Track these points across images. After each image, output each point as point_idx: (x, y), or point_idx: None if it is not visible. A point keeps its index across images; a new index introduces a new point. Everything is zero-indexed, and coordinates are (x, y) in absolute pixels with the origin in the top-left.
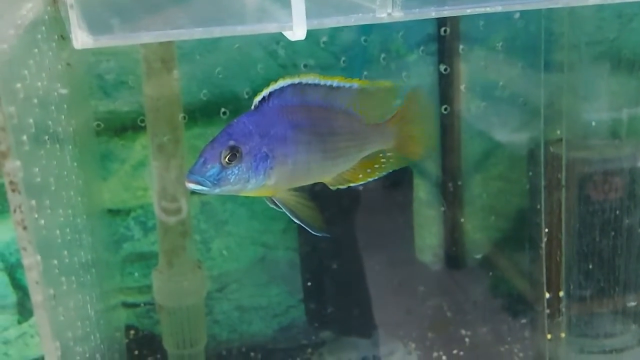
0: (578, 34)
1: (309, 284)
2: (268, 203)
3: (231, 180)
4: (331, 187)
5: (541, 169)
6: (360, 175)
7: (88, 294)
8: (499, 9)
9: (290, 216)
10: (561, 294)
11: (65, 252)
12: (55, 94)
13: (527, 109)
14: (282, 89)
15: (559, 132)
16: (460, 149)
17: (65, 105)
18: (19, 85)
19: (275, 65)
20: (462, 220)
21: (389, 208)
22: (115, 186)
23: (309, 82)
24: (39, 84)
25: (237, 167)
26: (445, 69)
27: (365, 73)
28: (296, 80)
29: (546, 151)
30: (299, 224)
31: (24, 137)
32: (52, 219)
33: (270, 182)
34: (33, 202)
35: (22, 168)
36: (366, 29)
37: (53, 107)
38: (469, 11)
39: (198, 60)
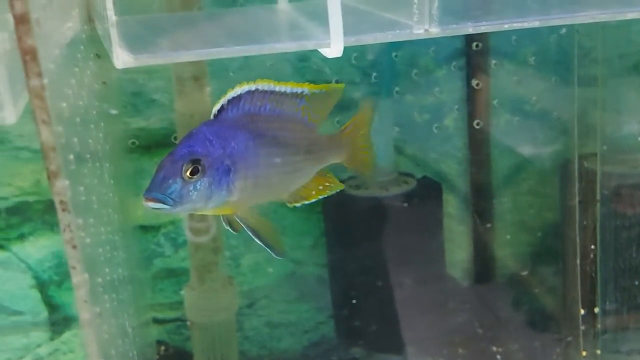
0: (610, 47)
1: (339, 300)
2: (224, 224)
3: (193, 197)
4: (289, 205)
5: (575, 183)
6: (313, 192)
7: (126, 310)
8: (536, 24)
9: (252, 235)
10: (596, 310)
11: (107, 270)
12: (94, 112)
13: (558, 123)
14: (239, 96)
15: (592, 146)
16: (490, 163)
17: (102, 123)
18: (64, 104)
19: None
20: (493, 235)
21: (418, 223)
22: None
23: (264, 88)
24: (80, 102)
25: (199, 182)
26: (477, 84)
27: (396, 89)
28: (252, 86)
29: (580, 166)
30: (261, 245)
31: (71, 157)
32: (95, 237)
33: (233, 198)
34: (80, 220)
35: (70, 187)
36: (396, 44)
37: (92, 126)
38: (506, 26)
39: (230, 77)
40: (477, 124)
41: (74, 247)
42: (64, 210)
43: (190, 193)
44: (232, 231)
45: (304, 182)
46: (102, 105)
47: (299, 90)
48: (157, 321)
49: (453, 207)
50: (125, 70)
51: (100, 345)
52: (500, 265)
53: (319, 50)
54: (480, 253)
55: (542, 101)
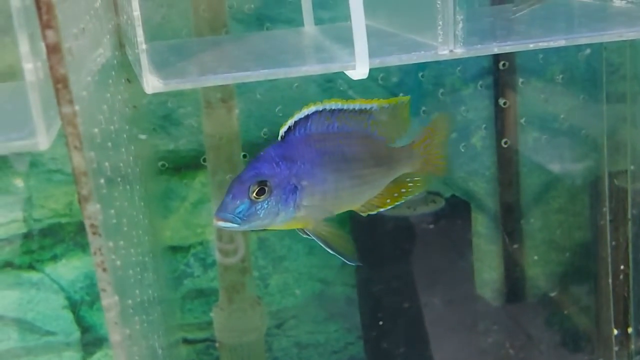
0: (639, 63)
1: (367, 320)
2: (300, 234)
3: (260, 215)
4: (362, 214)
5: (606, 202)
6: (388, 200)
7: (156, 331)
8: (562, 43)
9: (324, 246)
10: (630, 330)
11: (137, 291)
12: (125, 135)
13: (587, 140)
14: (307, 117)
15: (622, 163)
16: (519, 182)
17: (132, 147)
18: (96, 130)
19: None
20: (523, 254)
21: (447, 243)
22: (176, 223)
23: (332, 107)
24: (112, 127)
25: (266, 202)
26: (505, 103)
27: (423, 108)
28: (320, 107)
29: (610, 183)
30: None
31: (102, 181)
32: (126, 259)
33: (300, 214)
34: (110, 243)
35: (101, 211)
36: (422, 65)
37: (123, 149)
38: (531, 46)
39: (257, 99)
40: (505, 143)
41: (104, 269)
42: (94, 233)
43: (258, 212)
44: (310, 237)
45: (376, 193)
46: (133, 129)
47: (368, 106)
48: (186, 341)
49: (482, 226)
50: (155, 94)
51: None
52: (531, 285)
53: (345, 72)
54: (511, 272)
55: (570, 119)
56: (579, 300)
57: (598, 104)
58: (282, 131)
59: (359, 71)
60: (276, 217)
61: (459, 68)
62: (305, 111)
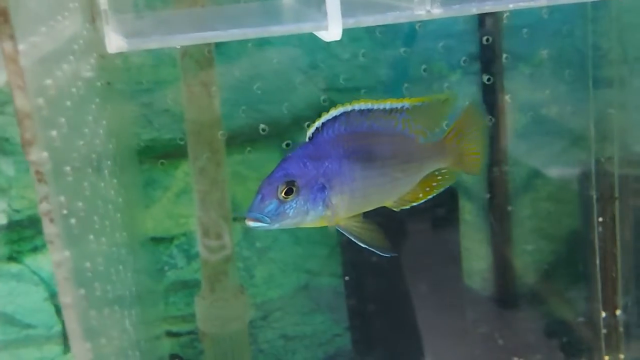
0: (627, 48)
1: (355, 311)
2: (337, 228)
3: (290, 214)
4: (395, 209)
5: (592, 183)
6: (420, 195)
7: (137, 324)
8: (543, 2)
9: (357, 241)
10: (618, 312)
11: (114, 284)
12: (90, 118)
13: (576, 126)
14: (334, 118)
15: (610, 148)
16: (508, 168)
17: (101, 131)
18: (62, 119)
19: (316, 89)
20: (512, 242)
21: (434, 231)
22: (158, 214)
23: (362, 107)
24: (79, 110)
25: (294, 201)
26: (489, 79)
27: (405, 85)
28: (348, 107)
29: (598, 167)
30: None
31: (67, 168)
32: (99, 251)
33: (329, 212)
34: (76, 232)
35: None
36: (408, 47)
37: (97, 141)
38: (511, 6)
39: (239, 85)
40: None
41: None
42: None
43: (287, 211)
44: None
45: (408, 189)
46: (111, 116)
47: (399, 105)
48: (170, 334)
49: (470, 214)
50: (135, 78)
51: (89, 334)
52: (520, 273)
53: (317, 34)
54: (500, 262)
55: (558, 104)
56: (569, 284)
57: (587, 90)
58: (309, 132)
59: (331, 32)
60: (306, 215)
61: (442, 46)
62: (334, 112)
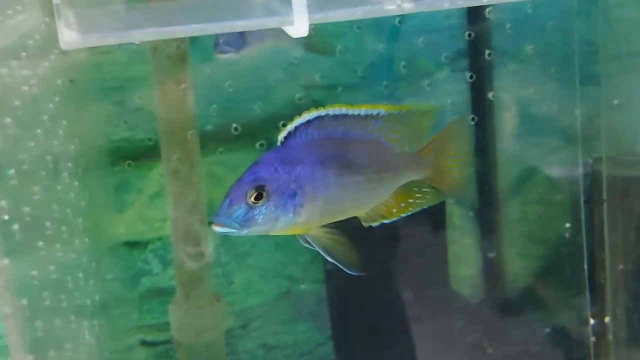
0: (619, 43)
1: (338, 319)
2: (301, 242)
3: (259, 221)
4: (364, 224)
5: (580, 185)
6: (394, 210)
7: (108, 334)
8: None
9: (324, 254)
10: (607, 319)
11: (76, 293)
12: (46, 118)
13: (564, 125)
14: (308, 122)
15: (598, 148)
16: (497, 169)
17: (60, 131)
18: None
19: (297, 86)
20: (501, 247)
21: (420, 235)
22: (132, 218)
23: (336, 112)
24: (36, 109)
25: (264, 207)
26: (471, 76)
27: (385, 83)
28: (322, 112)
29: (586, 168)
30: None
31: (12, 172)
32: (53, 259)
33: (301, 219)
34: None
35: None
36: (391, 43)
37: (56, 142)
38: (484, 1)
39: (215, 82)
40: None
41: None
42: None
43: (256, 217)
44: (311, 248)
45: (382, 200)
46: (75, 116)
47: (374, 112)
48: (145, 344)
49: (458, 218)
50: (104, 76)
51: (34, 346)
52: (510, 279)
53: (285, 30)
54: (489, 266)
55: (547, 102)
56: (559, 290)
57: (575, 87)
58: (281, 136)
59: (297, 27)
60: (276, 222)
61: (423, 43)
62: (307, 116)
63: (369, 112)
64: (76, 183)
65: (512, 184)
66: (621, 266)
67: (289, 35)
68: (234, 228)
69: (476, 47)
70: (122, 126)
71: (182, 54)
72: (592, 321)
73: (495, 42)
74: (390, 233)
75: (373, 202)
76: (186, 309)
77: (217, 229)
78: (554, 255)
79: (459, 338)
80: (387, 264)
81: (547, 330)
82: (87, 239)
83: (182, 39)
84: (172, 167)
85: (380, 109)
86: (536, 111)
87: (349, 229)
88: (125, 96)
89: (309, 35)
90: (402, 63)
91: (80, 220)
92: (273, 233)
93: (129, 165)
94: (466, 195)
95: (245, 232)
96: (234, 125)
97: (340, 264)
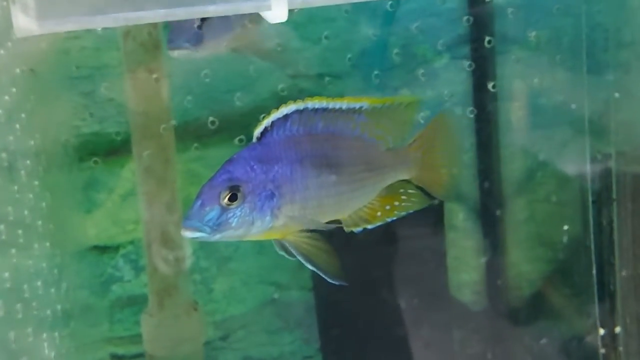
0: (634, 29)
1: (327, 329)
2: (277, 249)
3: (233, 224)
4: (345, 229)
5: (587, 184)
6: (379, 214)
7: (56, 346)
8: None
9: (304, 262)
10: (617, 329)
11: (22, 302)
12: (1, 111)
13: (571, 118)
14: (286, 116)
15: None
16: (500, 166)
17: (17, 125)
18: None
19: (283, 75)
20: (505, 250)
21: (417, 238)
22: (102, 219)
23: (316, 106)
24: None
25: (239, 209)
26: (469, 65)
27: (376, 72)
28: (301, 105)
29: (594, 165)
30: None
31: None
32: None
33: (278, 223)
34: None
35: None
36: (383, 29)
37: (10, 137)
38: None
39: (193, 71)
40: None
41: None
42: None
43: (230, 220)
44: (288, 257)
45: (366, 202)
46: (36, 108)
47: (357, 105)
48: (115, 357)
49: (458, 219)
50: (72, 64)
51: None
52: (514, 285)
53: (263, 15)
54: (493, 271)
55: (557, 94)
56: (568, 298)
57: (590, 76)
58: (257, 132)
59: (275, 12)
60: (251, 226)
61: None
62: (284, 110)
63: (352, 106)
64: (36, 182)
65: (517, 181)
66: (632, 271)
67: (246, 38)
68: (206, 232)
69: (477, 33)
70: (89, 119)
71: (155, 41)
72: (601, 331)
73: (498, 28)
74: (385, 236)
75: (356, 205)
76: (160, 319)
77: (187, 234)
78: (561, 259)
79: (459, 349)
80: (380, 269)
81: (554, 341)
82: (47, 244)
83: (153, 25)
84: (144, 163)
85: (364, 102)
86: (543, 102)
87: (337, 231)
88: (94, 86)
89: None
90: (395, 50)
91: (39, 222)
92: (247, 238)
93: (95, 162)
94: (455, 196)
95: (217, 237)
96: (211, 118)
97: (322, 272)
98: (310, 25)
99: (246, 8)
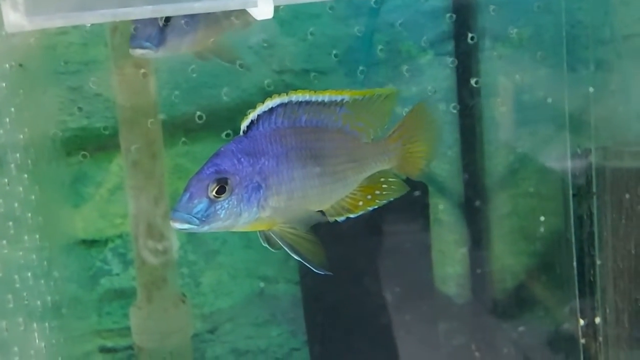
0: (614, 26)
1: (314, 322)
2: (262, 241)
3: (221, 216)
4: (329, 219)
5: (568, 177)
6: (360, 203)
7: (47, 337)
8: None
9: (290, 252)
10: (597, 320)
11: (13, 292)
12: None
13: (554, 114)
14: (271, 110)
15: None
16: (484, 161)
17: (7, 119)
18: None
19: (269, 70)
20: (489, 244)
21: (402, 232)
22: (90, 213)
23: (299, 99)
24: None
25: (227, 201)
26: (453, 62)
27: (361, 68)
28: (285, 99)
29: (574, 159)
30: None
31: None
32: None
33: (265, 214)
34: None
35: None
36: (369, 25)
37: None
38: None
39: (180, 67)
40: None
41: None
42: None
43: (219, 212)
44: (271, 249)
45: (348, 192)
46: (25, 103)
47: (338, 98)
48: (104, 350)
49: (444, 213)
50: (59, 60)
51: None
52: (498, 278)
53: (249, 11)
54: (477, 265)
55: (538, 89)
56: (549, 290)
57: (572, 73)
58: (244, 125)
59: (261, 9)
60: (238, 217)
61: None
62: (270, 103)
63: (333, 99)
64: (25, 175)
65: (501, 176)
66: (611, 263)
67: (209, 42)
68: (195, 224)
69: (460, 29)
70: (77, 114)
71: None
72: (582, 322)
73: (481, 25)
74: (371, 229)
75: (339, 195)
76: (148, 312)
77: (176, 225)
78: (543, 252)
79: (444, 341)
80: (366, 262)
81: (536, 331)
82: (37, 236)
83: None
84: (132, 158)
85: (345, 95)
86: (526, 98)
87: (323, 225)
88: (82, 81)
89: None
90: (380, 47)
91: (29, 215)
92: (235, 229)
93: (83, 156)
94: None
95: (206, 228)
96: (198, 113)
97: (307, 262)
98: (296, 22)
99: (233, 4)
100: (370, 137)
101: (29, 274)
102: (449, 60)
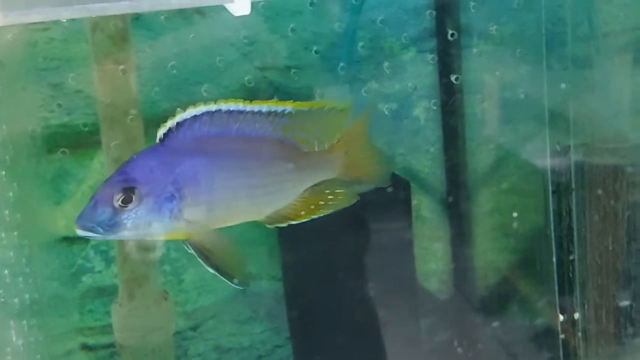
0: (594, 23)
1: (297, 319)
2: (185, 247)
3: (128, 225)
4: (268, 226)
5: (547, 173)
6: (303, 212)
7: (25, 335)
8: None
9: (203, 264)
10: (576, 315)
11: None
12: None
13: (534, 111)
14: (194, 117)
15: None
16: (466, 157)
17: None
18: None
19: (251, 67)
20: (471, 240)
21: (385, 229)
22: (71, 210)
23: (230, 108)
24: None
25: (134, 211)
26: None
27: (342, 64)
28: (213, 107)
29: (553, 155)
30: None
31: None
32: None
33: (181, 224)
34: None
35: None
36: (351, 22)
37: None
38: None
39: (161, 64)
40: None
41: None
42: None
43: (124, 222)
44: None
45: (286, 202)
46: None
47: (279, 108)
48: (86, 347)
49: (426, 210)
50: (38, 55)
51: None
52: (481, 274)
53: (227, 7)
54: (459, 260)
55: (518, 86)
56: (531, 286)
57: (551, 71)
58: (160, 133)
59: (238, 4)
60: (149, 227)
61: (380, 18)
62: (193, 111)
63: (273, 109)
64: (3, 172)
65: (482, 173)
66: (590, 260)
67: None
68: (98, 233)
69: (441, 26)
70: (57, 111)
71: (123, 33)
72: (561, 317)
73: (462, 21)
74: (353, 226)
75: (274, 206)
76: (130, 309)
77: (80, 232)
78: (524, 249)
79: (427, 337)
80: (348, 259)
81: (517, 327)
82: (15, 233)
83: (121, 16)
84: (113, 155)
85: (287, 106)
86: (507, 95)
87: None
88: (63, 78)
89: None
90: (361, 43)
91: (7, 212)
92: (152, 238)
93: (63, 153)
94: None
95: (112, 236)
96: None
97: (222, 274)
98: (277, 18)
99: (209, 0)
100: (314, 148)
101: (6, 271)
102: (430, 57)
